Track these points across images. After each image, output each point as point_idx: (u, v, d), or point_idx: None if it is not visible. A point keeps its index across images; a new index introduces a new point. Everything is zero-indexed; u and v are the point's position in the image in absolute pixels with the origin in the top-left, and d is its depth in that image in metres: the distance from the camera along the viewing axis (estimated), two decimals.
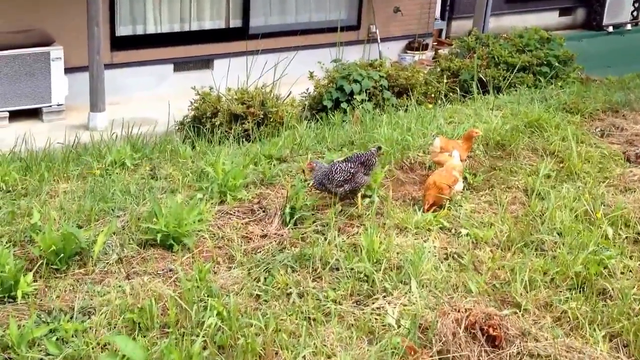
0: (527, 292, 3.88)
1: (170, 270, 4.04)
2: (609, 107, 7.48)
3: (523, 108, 7.09)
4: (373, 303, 3.78)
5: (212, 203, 4.79)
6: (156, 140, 6.76)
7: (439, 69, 8.90)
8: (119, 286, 3.80)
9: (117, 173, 5.40)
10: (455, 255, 4.31)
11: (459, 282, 4.02)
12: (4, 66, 7.63)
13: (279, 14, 10.32)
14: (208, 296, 3.69)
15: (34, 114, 8.09)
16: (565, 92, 7.99)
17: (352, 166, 4.69)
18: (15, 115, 7.88)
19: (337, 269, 4.10)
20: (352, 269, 4.06)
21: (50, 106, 8.04)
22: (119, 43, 8.82)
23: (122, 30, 8.95)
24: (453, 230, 4.65)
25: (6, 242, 4.20)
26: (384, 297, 3.84)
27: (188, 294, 3.60)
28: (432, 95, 8.02)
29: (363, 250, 4.20)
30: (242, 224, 4.62)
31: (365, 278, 4.00)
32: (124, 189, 5.01)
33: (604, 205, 5.05)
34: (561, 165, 5.82)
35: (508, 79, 8.35)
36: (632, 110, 7.48)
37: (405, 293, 3.86)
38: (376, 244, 4.23)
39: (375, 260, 4.15)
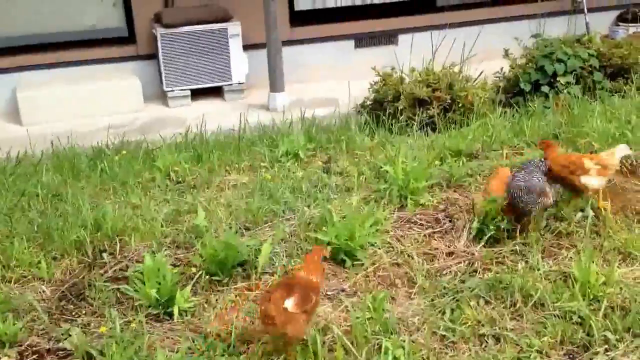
0: None
1: (342, 291, 3.51)
2: None
3: None
4: (590, 359, 3.00)
5: (390, 209, 4.19)
6: (335, 123, 6.29)
7: None
8: None
9: (289, 166, 4.97)
10: None
11: None
12: (183, 42, 7.52)
13: None
14: (383, 331, 3.12)
15: (216, 92, 7.93)
16: None
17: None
18: (197, 94, 7.78)
19: (542, 305, 3.34)
20: (561, 307, 3.28)
21: (231, 85, 7.82)
22: (298, 18, 8.40)
23: (301, 4, 8.52)
24: None
25: (169, 244, 3.91)
26: (606, 351, 3.04)
27: (359, 330, 3.05)
28: None
29: (576, 283, 3.40)
30: (424, 236, 3.99)
31: (580, 321, 3.21)
32: (295, 185, 4.56)
33: None
34: None
35: None
36: None
37: (635, 348, 3.02)
38: (593, 275, 3.40)
39: (591, 297, 3.34)
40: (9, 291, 3.54)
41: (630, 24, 9.58)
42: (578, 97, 6.28)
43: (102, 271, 3.67)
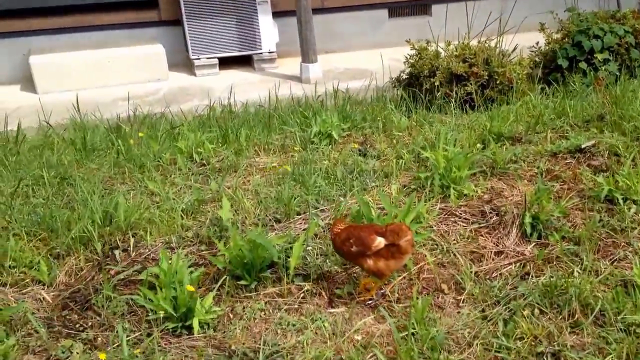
0: None
1: (383, 296, 3.00)
2: None
3: None
4: None
5: (432, 201, 3.64)
6: (370, 98, 5.69)
7: None
8: (319, 319, 2.83)
9: (322, 148, 4.42)
10: None
11: None
12: (209, 8, 6.90)
13: None
14: (431, 349, 2.61)
15: (245, 61, 7.31)
16: None
17: None
18: (226, 63, 7.17)
19: (603, 315, 2.81)
20: (623, 319, 2.75)
21: (261, 54, 7.19)
22: None
23: None
24: None
25: (191, 239, 3.38)
26: None
27: (404, 351, 2.54)
28: None
29: (638, 291, 2.86)
30: (470, 232, 3.44)
31: None
32: (329, 171, 4.01)
33: None
34: None
35: None
36: None
37: None
38: None
39: None
40: (2, 298, 2.95)
41: None
42: (617, 75, 5.63)
43: (112, 272, 3.12)
